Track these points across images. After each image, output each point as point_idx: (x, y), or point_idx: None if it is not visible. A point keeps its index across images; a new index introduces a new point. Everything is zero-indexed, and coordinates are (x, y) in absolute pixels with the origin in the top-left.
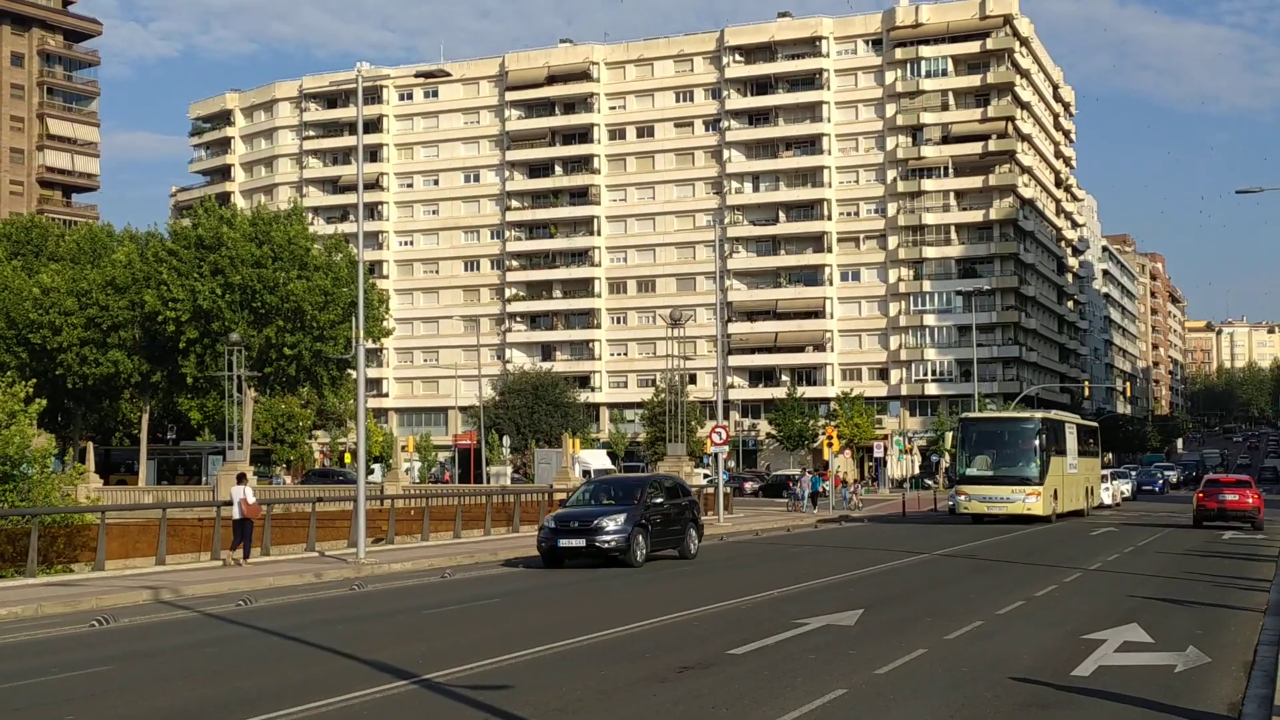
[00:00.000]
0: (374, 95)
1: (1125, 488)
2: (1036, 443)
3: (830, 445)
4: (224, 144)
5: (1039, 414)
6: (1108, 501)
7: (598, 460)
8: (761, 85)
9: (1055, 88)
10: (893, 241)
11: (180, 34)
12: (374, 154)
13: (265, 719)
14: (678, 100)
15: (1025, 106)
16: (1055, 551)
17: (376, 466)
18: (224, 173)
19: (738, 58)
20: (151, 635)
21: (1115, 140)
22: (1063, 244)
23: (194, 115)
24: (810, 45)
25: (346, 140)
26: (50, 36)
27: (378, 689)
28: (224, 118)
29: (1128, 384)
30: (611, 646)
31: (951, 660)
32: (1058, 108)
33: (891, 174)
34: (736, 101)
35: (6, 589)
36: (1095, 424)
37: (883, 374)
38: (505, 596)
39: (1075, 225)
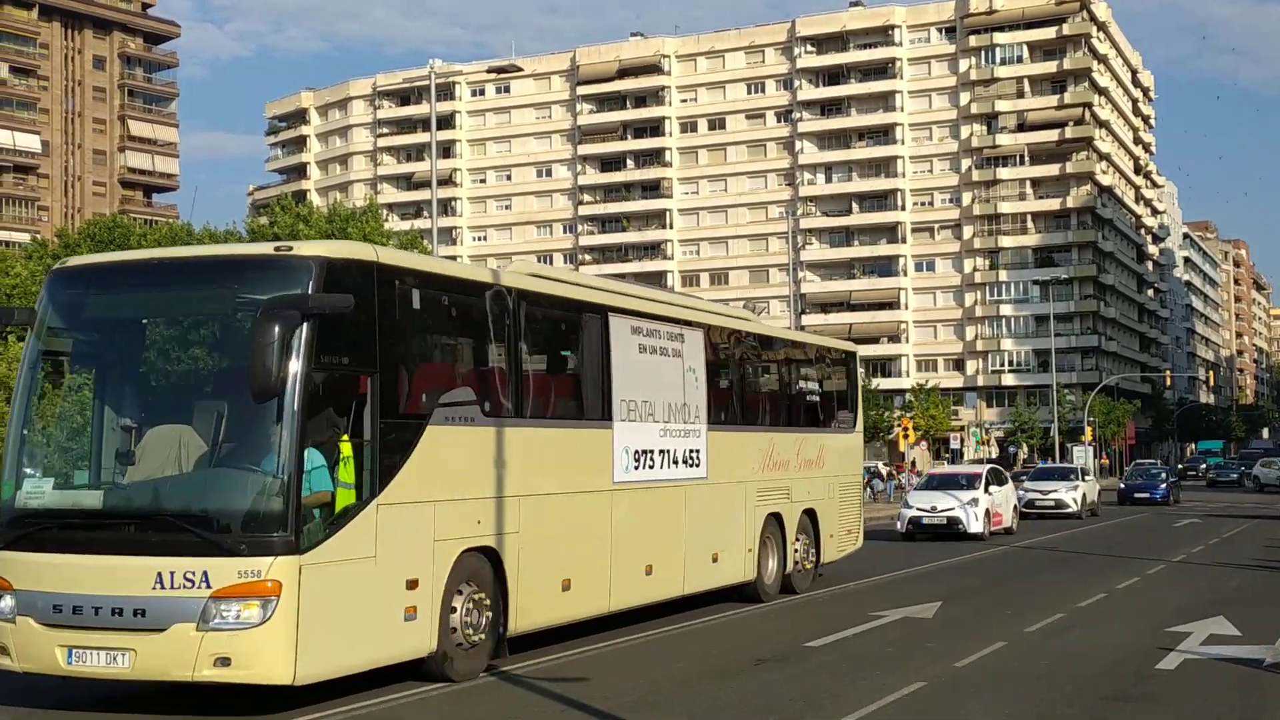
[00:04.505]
0: (446, 92)
1: (1070, 497)
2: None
3: (906, 437)
4: (299, 142)
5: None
6: (974, 528)
7: None
8: (833, 75)
9: (1134, 73)
10: (968, 231)
11: (253, 34)
12: (447, 150)
13: (332, 708)
14: (749, 92)
15: (1103, 92)
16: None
17: None
18: (300, 171)
19: (809, 48)
20: None
21: (1197, 125)
22: (1142, 231)
23: (270, 114)
24: (883, 34)
25: (420, 137)
26: (130, 39)
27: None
28: (299, 116)
29: (1211, 373)
30: (687, 638)
31: (1031, 653)
32: (1136, 93)
33: (966, 163)
34: (808, 92)
35: None
36: (851, 347)
37: (958, 365)
38: None
39: (1155, 212)
